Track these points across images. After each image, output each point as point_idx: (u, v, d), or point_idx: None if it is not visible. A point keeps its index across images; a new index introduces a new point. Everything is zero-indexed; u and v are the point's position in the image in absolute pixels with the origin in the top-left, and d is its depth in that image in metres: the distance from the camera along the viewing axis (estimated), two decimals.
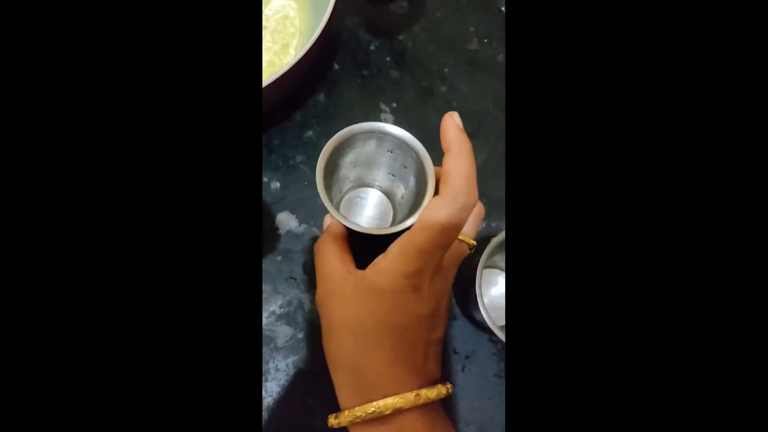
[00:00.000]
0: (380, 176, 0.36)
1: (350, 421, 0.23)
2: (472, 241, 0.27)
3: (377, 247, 0.26)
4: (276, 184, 0.39)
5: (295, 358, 0.35)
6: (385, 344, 0.24)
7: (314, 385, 0.34)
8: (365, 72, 0.43)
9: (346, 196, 0.38)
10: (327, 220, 0.31)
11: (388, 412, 0.22)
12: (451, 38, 0.45)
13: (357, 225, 0.27)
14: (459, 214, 0.24)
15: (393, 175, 0.35)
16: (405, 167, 0.32)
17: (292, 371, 0.34)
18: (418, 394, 0.23)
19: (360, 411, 0.23)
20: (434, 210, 0.24)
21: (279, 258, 0.37)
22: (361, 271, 0.26)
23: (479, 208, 0.28)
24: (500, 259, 0.36)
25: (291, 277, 0.37)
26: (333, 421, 0.24)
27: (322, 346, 0.26)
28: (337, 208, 0.37)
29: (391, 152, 0.31)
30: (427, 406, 0.24)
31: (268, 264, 0.37)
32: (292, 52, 0.41)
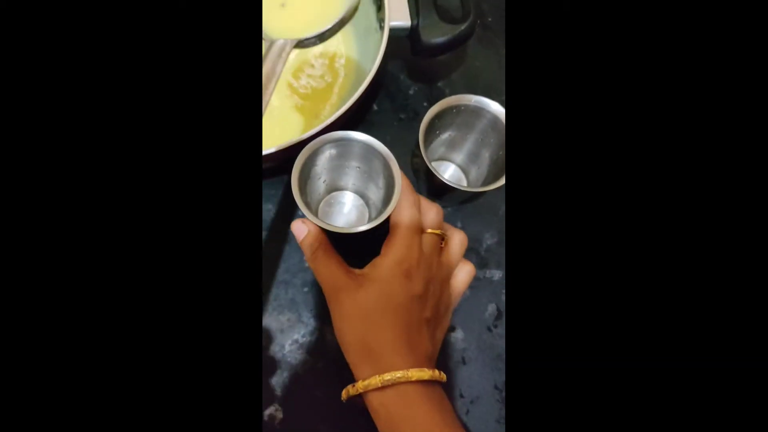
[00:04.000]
0: (351, 181, 0.39)
1: (365, 387, 0.28)
2: (439, 231, 0.33)
3: (354, 245, 0.30)
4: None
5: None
6: (388, 323, 0.29)
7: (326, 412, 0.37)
8: (402, 116, 0.45)
9: (323, 201, 0.42)
10: (298, 227, 0.33)
11: (395, 382, 0.27)
12: (487, 87, 0.47)
13: (332, 225, 0.31)
14: (413, 206, 0.32)
15: (363, 179, 0.38)
16: (373, 170, 0.35)
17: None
18: (422, 370, 0.28)
19: (373, 380, 0.28)
20: (398, 209, 0.31)
21: (306, 289, 0.39)
22: (358, 270, 0.31)
23: (438, 208, 0.33)
24: (448, 152, 0.43)
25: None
26: (351, 390, 0.29)
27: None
28: (316, 214, 0.40)
29: (359, 157, 0.35)
30: (427, 382, 0.28)
31: (295, 293, 0.39)
32: (336, 90, 0.43)
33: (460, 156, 0.42)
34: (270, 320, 0.39)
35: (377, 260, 0.31)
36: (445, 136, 0.41)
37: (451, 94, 0.46)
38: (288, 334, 0.38)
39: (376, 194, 0.38)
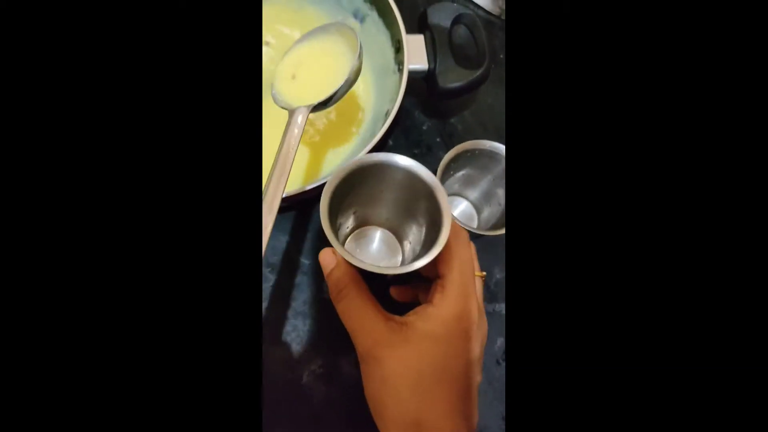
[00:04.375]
0: (385, 214, 0.35)
1: None
2: (484, 274, 0.30)
3: (384, 286, 0.27)
4: None
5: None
6: (444, 394, 0.23)
7: None
8: (416, 151, 0.47)
9: (351, 235, 0.38)
10: (326, 258, 0.28)
11: None
12: (497, 124, 0.49)
13: (366, 263, 0.25)
14: (468, 246, 0.27)
15: (400, 213, 0.33)
16: (413, 202, 0.31)
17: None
18: None
19: None
20: (452, 249, 0.26)
21: (322, 321, 0.41)
22: (401, 318, 0.25)
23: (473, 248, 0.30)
24: (462, 189, 0.44)
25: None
26: None
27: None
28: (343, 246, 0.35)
29: (399, 187, 0.30)
30: None
31: (312, 324, 0.41)
32: (354, 129, 0.45)
33: (473, 194, 0.44)
34: (288, 351, 0.40)
35: (429, 310, 0.25)
36: (459, 174, 0.42)
37: (463, 130, 0.48)
38: (305, 365, 0.40)
39: (415, 232, 0.33)
